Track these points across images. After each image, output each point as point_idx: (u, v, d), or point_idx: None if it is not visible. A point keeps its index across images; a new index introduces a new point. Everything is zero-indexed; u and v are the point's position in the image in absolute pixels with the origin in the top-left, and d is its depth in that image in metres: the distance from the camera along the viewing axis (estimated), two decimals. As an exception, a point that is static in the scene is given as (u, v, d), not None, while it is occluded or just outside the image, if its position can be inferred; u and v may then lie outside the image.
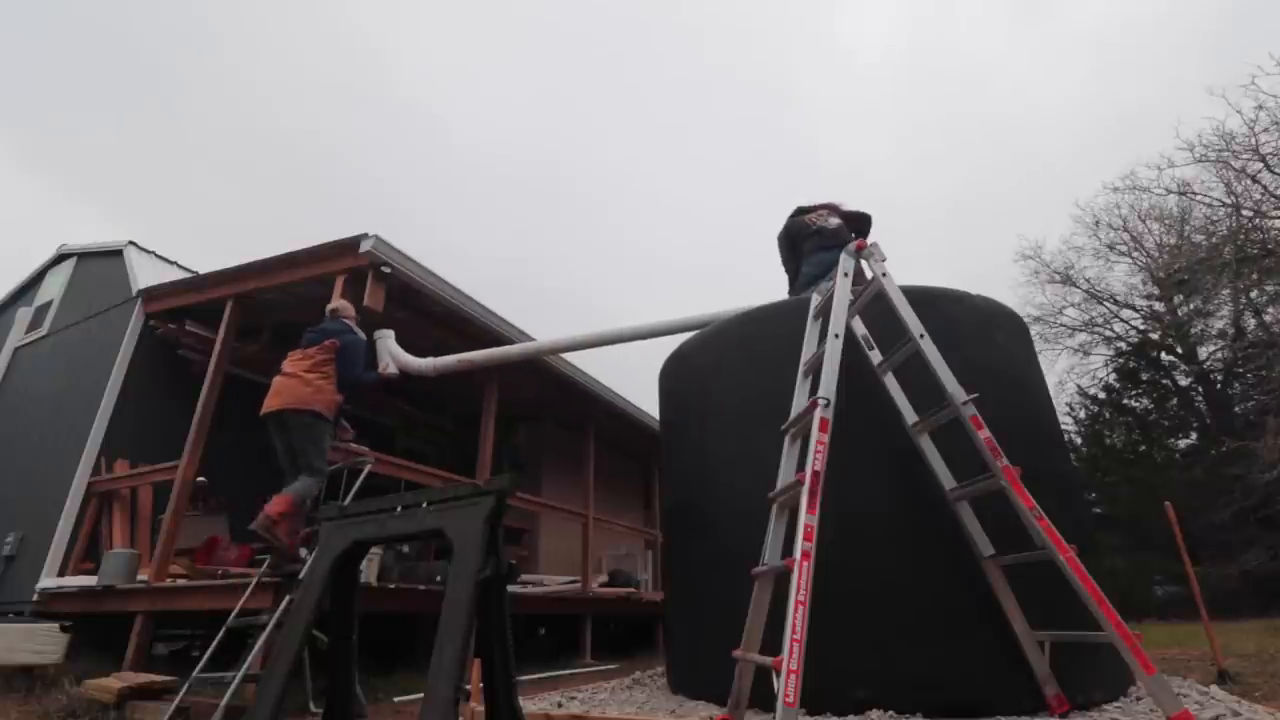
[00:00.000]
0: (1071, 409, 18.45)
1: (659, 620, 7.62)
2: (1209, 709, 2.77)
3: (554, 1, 75.75)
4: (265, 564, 3.84)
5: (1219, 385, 16.47)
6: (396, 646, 5.31)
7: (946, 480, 3.03)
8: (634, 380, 8.87)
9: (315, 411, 3.91)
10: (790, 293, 4.54)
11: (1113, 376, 18.12)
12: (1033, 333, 5.85)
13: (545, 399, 7.93)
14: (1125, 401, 17.71)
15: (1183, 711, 2.16)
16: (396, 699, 3.91)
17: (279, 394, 3.94)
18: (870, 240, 3.22)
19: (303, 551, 3.84)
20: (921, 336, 2.93)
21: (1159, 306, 18.03)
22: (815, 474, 2.42)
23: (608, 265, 79.30)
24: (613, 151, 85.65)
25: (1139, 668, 2.20)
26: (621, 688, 4.24)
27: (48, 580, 5.26)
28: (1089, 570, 2.40)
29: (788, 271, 4.72)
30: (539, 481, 8.99)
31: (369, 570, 4.52)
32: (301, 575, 3.38)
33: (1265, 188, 12.49)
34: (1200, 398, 16.73)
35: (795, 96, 77.91)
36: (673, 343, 4.75)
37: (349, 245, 4.83)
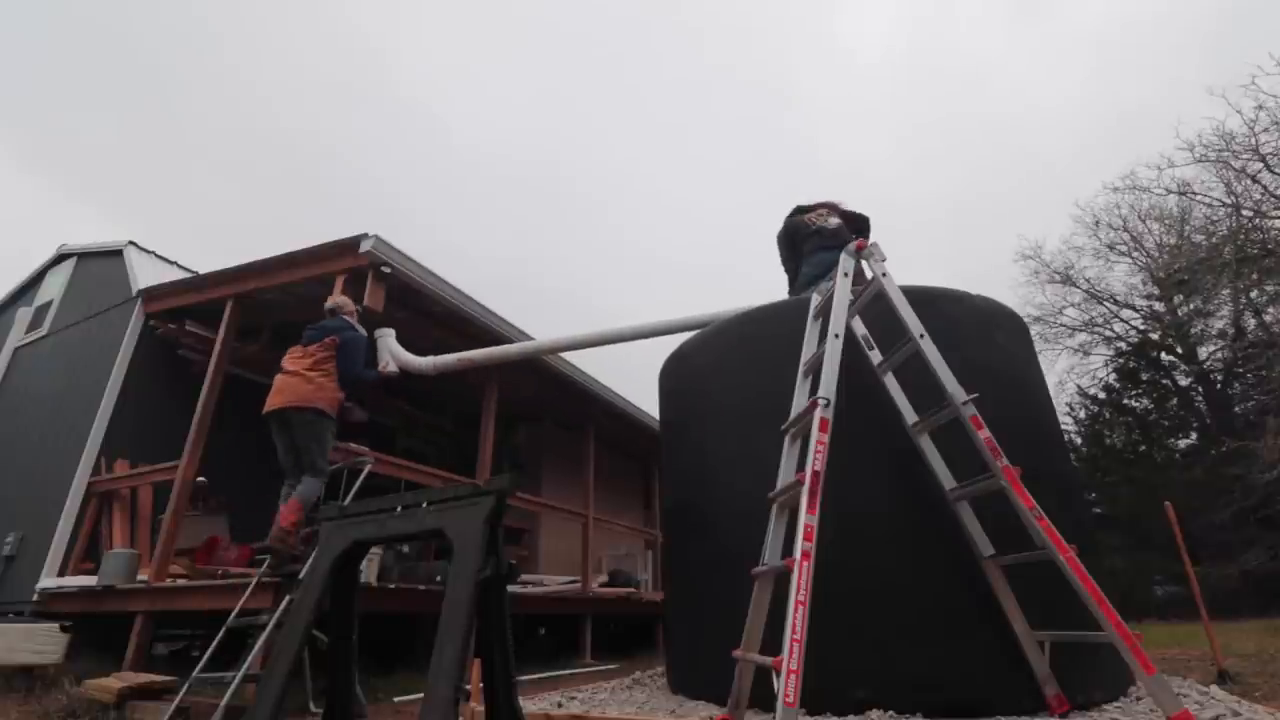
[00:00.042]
0: (1071, 409, 18.47)
1: (659, 620, 7.62)
2: (1209, 709, 2.77)
3: (554, 1, 75.81)
4: (265, 564, 3.84)
5: (1219, 385, 16.47)
6: (396, 646, 5.31)
7: (946, 480, 3.03)
8: (634, 380, 8.89)
9: (318, 409, 3.91)
10: (790, 293, 4.54)
11: (1113, 376, 18.13)
12: (1033, 333, 5.85)
13: (545, 399, 7.93)
14: (1125, 401, 17.72)
15: (1183, 711, 2.16)
16: (396, 699, 3.91)
17: (281, 392, 3.94)
18: (870, 240, 3.22)
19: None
20: (921, 336, 2.93)
21: (1159, 306, 18.04)
22: (815, 474, 2.42)
23: (608, 265, 79.43)
24: (613, 151, 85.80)
25: (1139, 668, 2.20)
26: (621, 688, 4.24)
27: (48, 580, 5.26)
28: (1089, 570, 2.40)
29: (787, 271, 4.72)
30: (539, 481, 8.99)
31: (369, 570, 4.52)
32: (301, 575, 3.39)
33: (1265, 188, 12.49)
34: (1200, 398, 16.73)
35: (795, 96, 78.03)
36: (673, 343, 4.75)
37: (349, 245, 4.84)
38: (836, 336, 2.83)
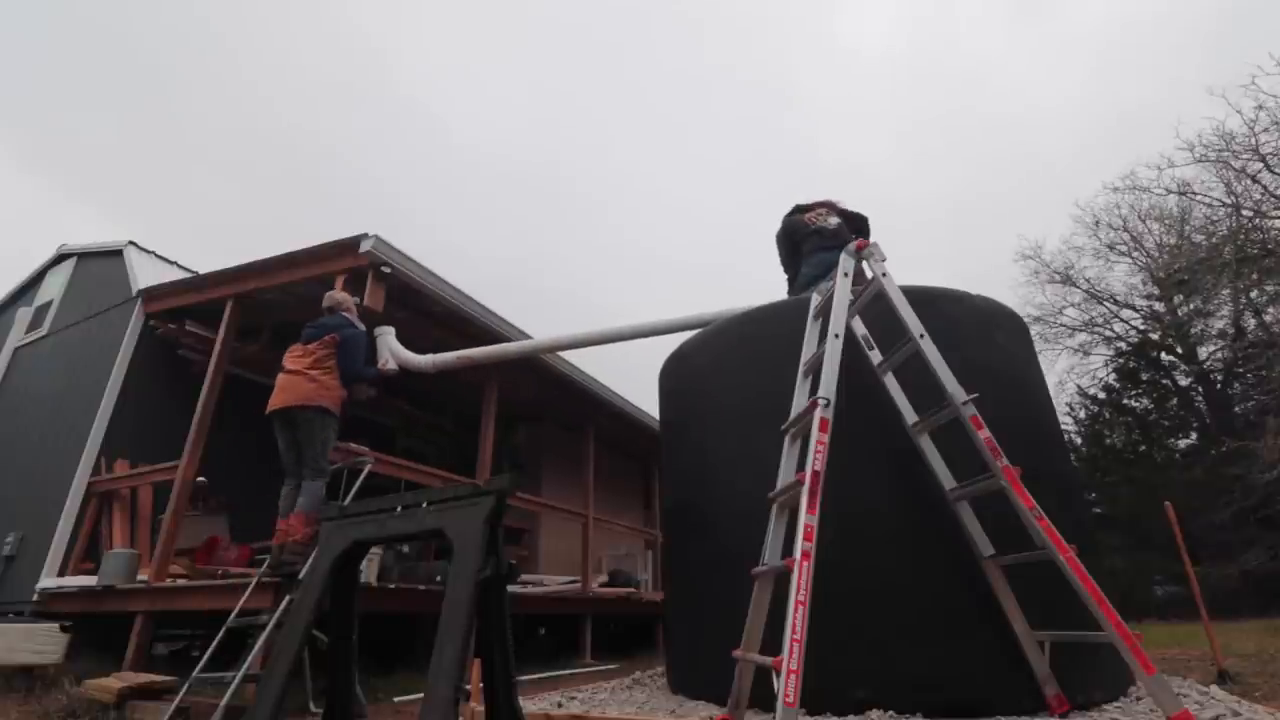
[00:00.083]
0: (1071, 409, 18.47)
1: (659, 620, 7.62)
2: (1209, 709, 2.77)
3: (554, 1, 75.82)
4: (265, 564, 3.84)
5: (1219, 385, 16.47)
6: (396, 646, 5.31)
7: (946, 480, 3.03)
8: (634, 380, 8.89)
9: (322, 408, 3.92)
10: (789, 293, 4.54)
11: (1113, 376, 18.13)
12: (1033, 333, 5.85)
13: (545, 399, 7.93)
14: (1125, 401, 17.72)
15: (1183, 711, 2.16)
16: (396, 699, 3.91)
17: (285, 390, 3.94)
18: (870, 240, 3.22)
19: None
20: (921, 336, 2.93)
21: (1159, 306, 18.04)
22: (815, 474, 2.42)
23: (608, 264, 79.40)
24: (613, 150, 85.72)
25: (1139, 668, 2.20)
26: (621, 688, 4.24)
27: (48, 580, 5.26)
28: (1089, 570, 2.40)
29: (786, 271, 4.72)
30: (539, 481, 8.99)
31: (369, 570, 4.51)
32: (301, 575, 3.39)
33: (1265, 188, 12.49)
34: (1200, 398, 16.73)
35: (796, 96, 77.99)
36: (673, 343, 4.75)
37: (349, 245, 4.84)
38: (836, 336, 2.83)
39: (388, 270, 4.85)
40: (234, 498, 5.90)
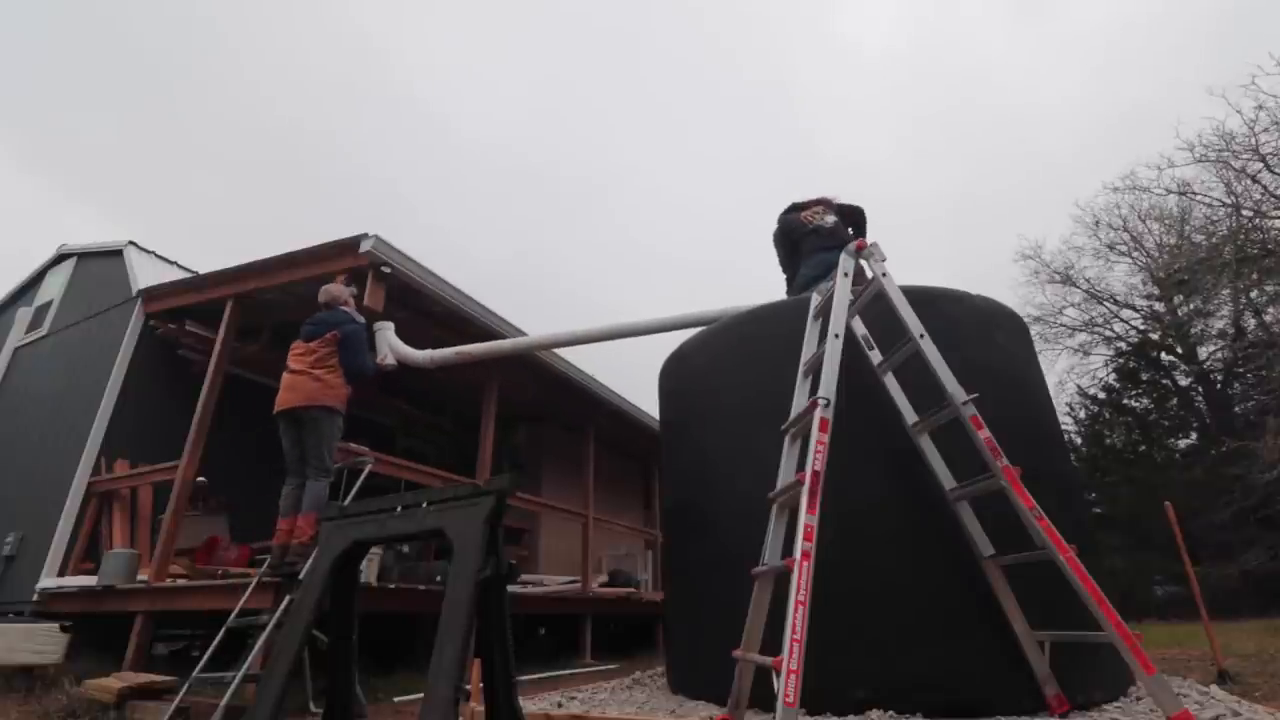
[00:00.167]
0: (1071, 409, 18.47)
1: (659, 620, 7.62)
2: (1209, 709, 2.77)
3: (555, 1, 75.82)
4: (265, 564, 3.84)
5: (1219, 385, 16.47)
6: (396, 646, 5.31)
7: (946, 480, 3.03)
8: (634, 380, 8.88)
9: (327, 406, 3.93)
10: (788, 293, 4.53)
11: (1113, 376, 18.13)
12: (1033, 333, 5.85)
13: (545, 399, 7.92)
14: (1125, 401, 17.72)
15: (1183, 711, 2.16)
16: (396, 699, 3.91)
17: (292, 390, 3.94)
18: (870, 240, 3.22)
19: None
20: (921, 336, 2.93)
21: (1159, 306, 18.04)
22: (815, 474, 2.42)
23: (608, 261, 79.47)
24: (613, 147, 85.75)
25: (1139, 668, 2.20)
26: (621, 688, 4.24)
27: (48, 580, 5.26)
28: (1089, 570, 2.40)
29: (785, 271, 4.71)
30: (539, 481, 8.99)
31: (369, 570, 4.52)
32: (301, 575, 3.38)
33: (1265, 188, 12.48)
34: (1200, 398, 16.73)
35: (797, 94, 77.97)
36: (672, 342, 4.75)
37: (349, 245, 4.84)
38: (836, 336, 2.83)
39: (388, 270, 4.85)
40: (234, 498, 5.90)
